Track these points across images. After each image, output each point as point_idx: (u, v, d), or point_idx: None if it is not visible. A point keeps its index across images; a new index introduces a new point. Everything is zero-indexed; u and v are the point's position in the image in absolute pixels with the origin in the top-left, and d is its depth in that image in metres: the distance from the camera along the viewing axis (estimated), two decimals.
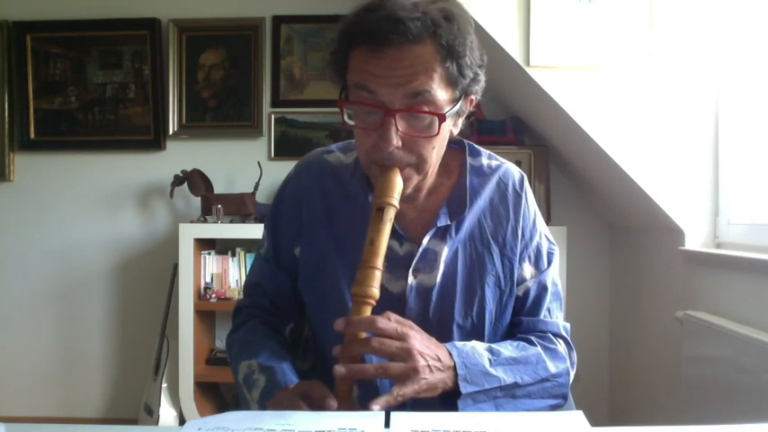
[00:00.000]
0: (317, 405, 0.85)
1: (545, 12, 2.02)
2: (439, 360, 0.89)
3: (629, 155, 2.03)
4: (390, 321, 0.88)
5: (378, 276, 0.88)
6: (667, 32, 2.00)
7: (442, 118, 0.89)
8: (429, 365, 0.87)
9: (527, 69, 2.05)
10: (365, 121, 0.91)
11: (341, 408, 0.85)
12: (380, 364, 0.87)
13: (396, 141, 0.88)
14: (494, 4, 2.04)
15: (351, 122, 0.93)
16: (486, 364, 0.93)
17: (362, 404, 0.89)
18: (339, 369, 0.85)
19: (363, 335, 0.87)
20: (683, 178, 2.01)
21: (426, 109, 0.88)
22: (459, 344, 0.94)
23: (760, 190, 1.86)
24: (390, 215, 0.90)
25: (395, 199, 0.90)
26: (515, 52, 2.05)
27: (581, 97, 2.04)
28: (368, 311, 0.88)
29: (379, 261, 0.88)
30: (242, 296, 1.16)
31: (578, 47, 2.02)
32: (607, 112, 2.04)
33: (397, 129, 0.88)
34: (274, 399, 0.91)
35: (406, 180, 0.93)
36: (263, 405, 0.93)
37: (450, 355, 0.91)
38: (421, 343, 0.88)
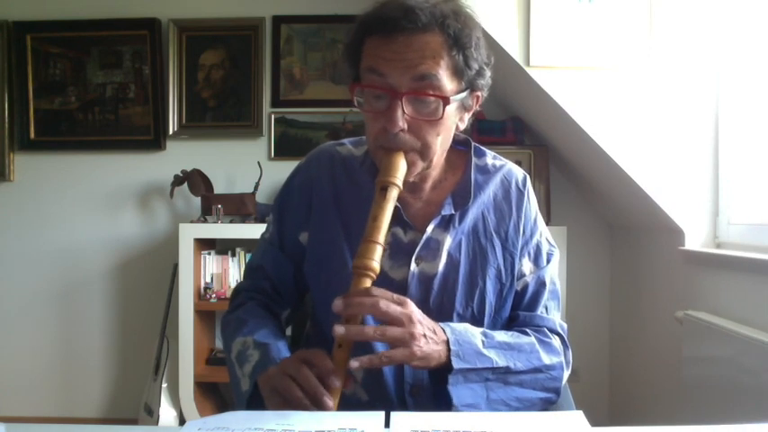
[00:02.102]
0: (317, 372, 0.85)
1: (545, 12, 2.02)
2: (434, 333, 0.91)
3: (629, 155, 2.03)
4: (387, 291, 0.89)
5: (379, 251, 0.89)
6: (667, 32, 2.00)
7: (447, 101, 0.93)
8: (425, 335, 0.89)
9: (527, 69, 2.05)
10: (374, 105, 0.95)
11: (337, 375, 0.85)
12: (379, 327, 0.88)
13: (401, 123, 0.92)
14: (494, 4, 2.04)
15: (360, 100, 0.97)
16: (479, 344, 0.95)
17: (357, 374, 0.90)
18: (339, 329, 0.85)
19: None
20: (683, 178, 2.01)
21: (431, 93, 0.92)
22: (453, 324, 0.96)
23: (760, 190, 1.86)
24: (393, 194, 0.93)
25: (398, 179, 0.93)
26: (515, 52, 2.05)
27: (581, 97, 2.04)
28: (368, 284, 0.89)
29: (381, 236, 0.90)
30: (242, 279, 1.18)
31: (578, 47, 2.02)
32: (607, 112, 2.04)
33: (404, 112, 0.92)
34: (267, 372, 0.91)
35: (410, 165, 0.96)
36: (254, 379, 0.93)
37: (444, 331, 0.93)
38: (418, 312, 0.90)
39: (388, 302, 0.87)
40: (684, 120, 2.01)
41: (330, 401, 0.84)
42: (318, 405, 0.83)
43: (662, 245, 2.20)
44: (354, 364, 0.85)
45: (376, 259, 0.89)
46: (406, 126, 0.92)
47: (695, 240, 2.01)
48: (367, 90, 0.95)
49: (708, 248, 1.98)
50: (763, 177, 1.85)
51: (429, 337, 0.90)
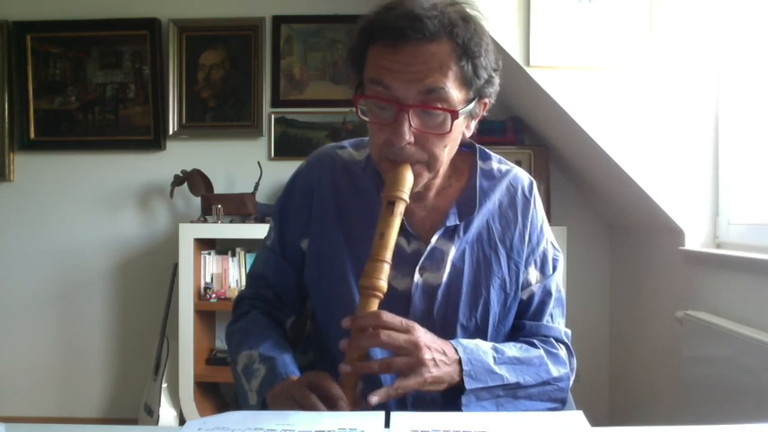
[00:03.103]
0: (325, 398, 0.85)
1: (545, 12, 2.02)
2: (444, 354, 0.90)
3: (629, 155, 2.03)
4: (396, 315, 0.88)
5: (386, 269, 0.88)
6: (667, 32, 2.00)
7: (455, 115, 0.90)
8: (434, 359, 0.88)
9: (527, 69, 2.05)
10: (379, 116, 0.92)
11: (347, 401, 0.85)
12: (384, 360, 0.87)
13: (408, 137, 0.89)
14: (494, 4, 2.04)
15: (365, 118, 0.94)
16: (491, 361, 0.94)
17: (366, 399, 0.88)
18: (344, 367, 0.85)
19: (370, 329, 0.87)
20: (683, 178, 2.01)
21: (440, 106, 0.89)
22: (464, 341, 0.95)
23: (760, 190, 1.86)
24: (400, 209, 0.91)
25: (405, 193, 0.91)
26: (515, 52, 2.05)
27: (581, 97, 2.04)
28: (375, 304, 0.88)
29: (388, 254, 0.89)
30: (244, 287, 1.16)
31: (578, 47, 2.02)
32: (607, 112, 2.04)
33: (410, 124, 0.89)
34: (274, 390, 0.91)
35: (416, 176, 0.93)
36: (262, 395, 0.93)
37: (456, 350, 0.92)
38: (426, 336, 0.89)
39: (389, 333, 0.86)
40: (684, 120, 2.01)
41: None
42: None
43: (662, 245, 2.20)
44: (373, 399, 0.84)
45: (383, 279, 0.88)
46: (412, 139, 0.90)
47: (695, 240, 2.01)
48: (371, 100, 0.92)
49: (708, 248, 1.98)
50: (763, 177, 1.85)
51: (439, 360, 0.88)
